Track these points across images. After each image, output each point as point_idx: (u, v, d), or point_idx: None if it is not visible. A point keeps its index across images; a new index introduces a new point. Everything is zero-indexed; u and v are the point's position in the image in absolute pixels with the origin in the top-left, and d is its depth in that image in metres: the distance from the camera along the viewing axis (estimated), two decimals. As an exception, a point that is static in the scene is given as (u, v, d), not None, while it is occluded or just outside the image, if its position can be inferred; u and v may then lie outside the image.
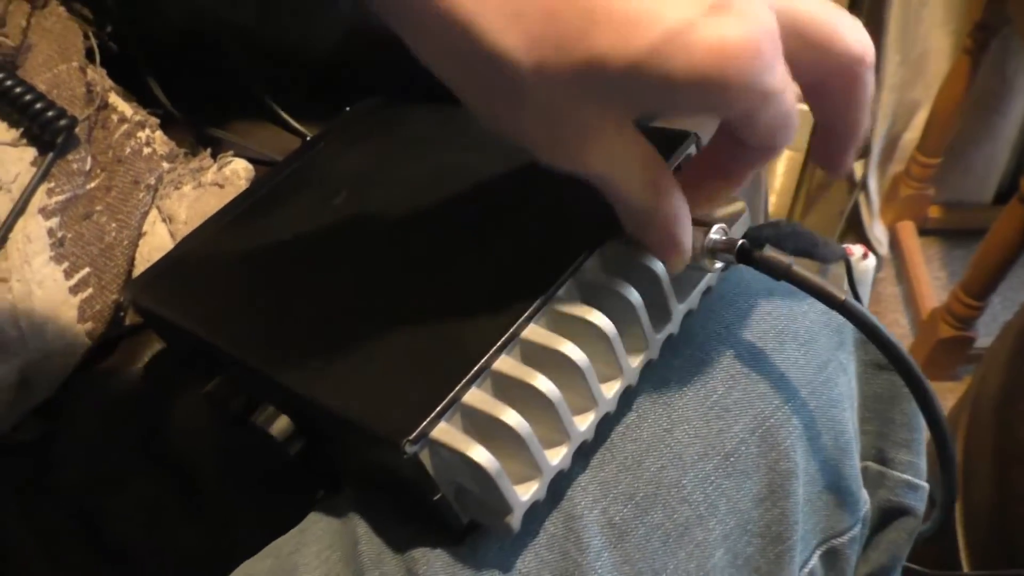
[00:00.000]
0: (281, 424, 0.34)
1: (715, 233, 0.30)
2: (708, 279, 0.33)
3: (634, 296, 0.29)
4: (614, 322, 0.29)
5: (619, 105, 0.24)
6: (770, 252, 0.30)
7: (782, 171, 1.28)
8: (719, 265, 0.31)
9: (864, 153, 1.20)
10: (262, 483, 0.44)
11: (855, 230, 1.23)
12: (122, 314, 0.49)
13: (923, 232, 1.23)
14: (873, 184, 1.20)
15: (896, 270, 1.23)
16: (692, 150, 0.34)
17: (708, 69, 0.22)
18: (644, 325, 0.30)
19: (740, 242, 0.30)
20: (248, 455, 0.44)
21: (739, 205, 0.34)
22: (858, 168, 1.24)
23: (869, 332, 0.29)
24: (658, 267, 0.30)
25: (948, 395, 1.09)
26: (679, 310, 0.31)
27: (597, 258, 0.31)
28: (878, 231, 1.20)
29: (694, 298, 0.32)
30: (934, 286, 1.18)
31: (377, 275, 0.34)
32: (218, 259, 0.42)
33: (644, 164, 0.26)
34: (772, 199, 1.24)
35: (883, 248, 1.21)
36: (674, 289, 0.31)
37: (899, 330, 1.18)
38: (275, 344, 0.34)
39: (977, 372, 0.75)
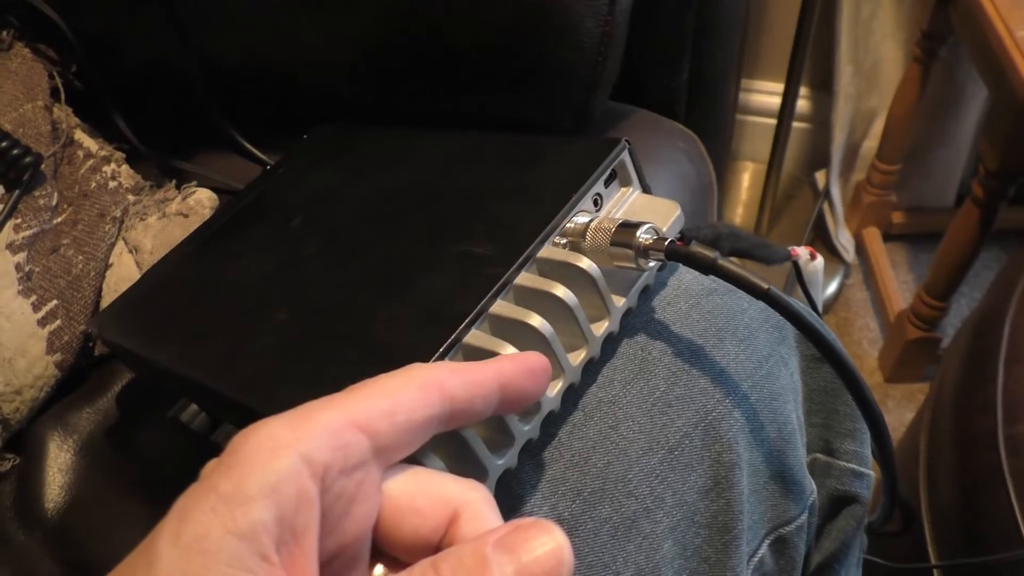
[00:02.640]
0: (241, 440, 0.34)
1: (645, 233, 0.32)
2: (644, 278, 0.34)
3: (569, 296, 0.31)
4: (552, 323, 0.30)
5: None
6: (697, 248, 0.31)
7: (747, 183, 1.31)
8: (652, 264, 0.32)
9: (825, 163, 1.23)
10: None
11: (822, 238, 1.26)
12: (91, 344, 0.50)
13: (888, 237, 1.26)
14: (836, 193, 1.23)
15: (864, 275, 1.25)
16: (625, 157, 0.36)
17: None
18: (582, 324, 0.31)
19: (668, 240, 0.31)
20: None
21: (672, 206, 0.35)
22: (820, 178, 1.27)
23: (793, 319, 0.31)
24: (592, 268, 0.31)
25: (919, 395, 1.10)
26: (617, 309, 0.33)
27: (534, 263, 0.32)
28: (844, 238, 1.23)
29: (632, 297, 0.34)
30: (901, 289, 1.20)
31: (325, 295, 0.36)
32: (180, 288, 0.43)
33: None
34: (739, 211, 1.26)
35: (849, 255, 1.23)
36: (611, 288, 0.32)
37: (869, 334, 1.20)
38: (232, 365, 0.35)
39: (939, 369, 0.77)
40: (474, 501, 0.22)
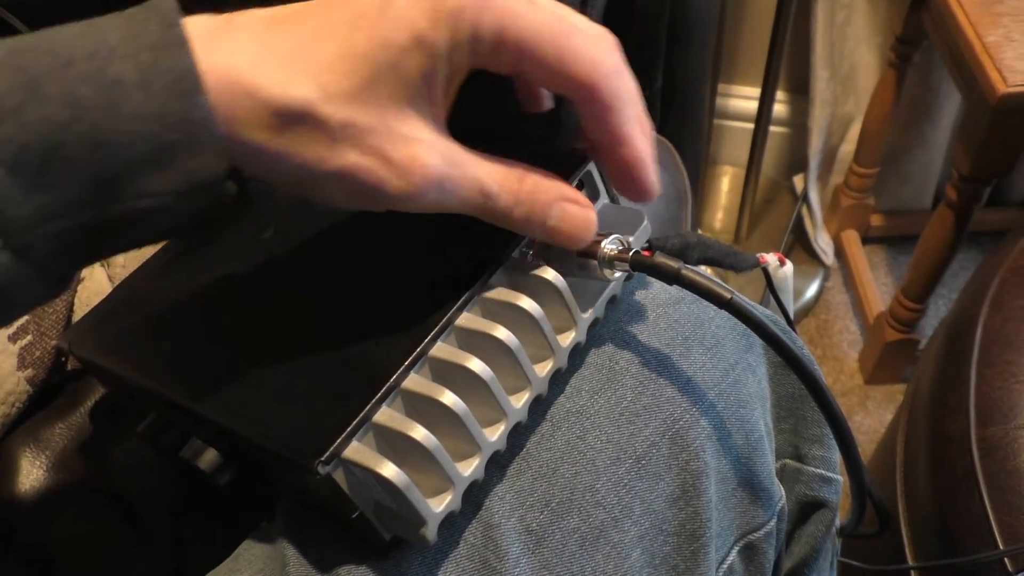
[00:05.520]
0: (208, 456, 0.35)
1: (611, 244, 0.32)
2: (611, 288, 0.34)
3: (535, 308, 0.31)
4: (519, 335, 0.30)
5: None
6: (661, 258, 0.31)
7: (726, 188, 1.32)
8: (618, 274, 0.32)
9: (803, 167, 1.24)
10: (204, 515, 0.44)
11: (801, 242, 1.26)
12: (64, 359, 0.49)
13: (867, 240, 1.27)
14: (814, 196, 1.24)
15: (843, 278, 1.26)
16: (592, 168, 0.36)
17: None
18: (548, 336, 0.32)
19: (633, 251, 0.31)
20: (187, 489, 0.44)
21: (639, 216, 0.36)
22: (799, 182, 1.28)
23: (755, 327, 0.31)
24: (558, 279, 0.31)
25: (899, 396, 1.11)
26: (583, 320, 0.33)
27: (500, 275, 0.32)
28: (823, 242, 1.24)
29: (599, 307, 0.34)
30: (880, 292, 1.21)
31: (295, 306, 0.36)
32: (151, 302, 0.43)
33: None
34: (719, 215, 1.27)
35: (829, 258, 1.24)
36: (577, 299, 0.33)
37: (849, 336, 1.21)
38: (199, 380, 0.35)
39: (916, 371, 0.77)
40: (607, 91, 0.27)
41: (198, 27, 0.24)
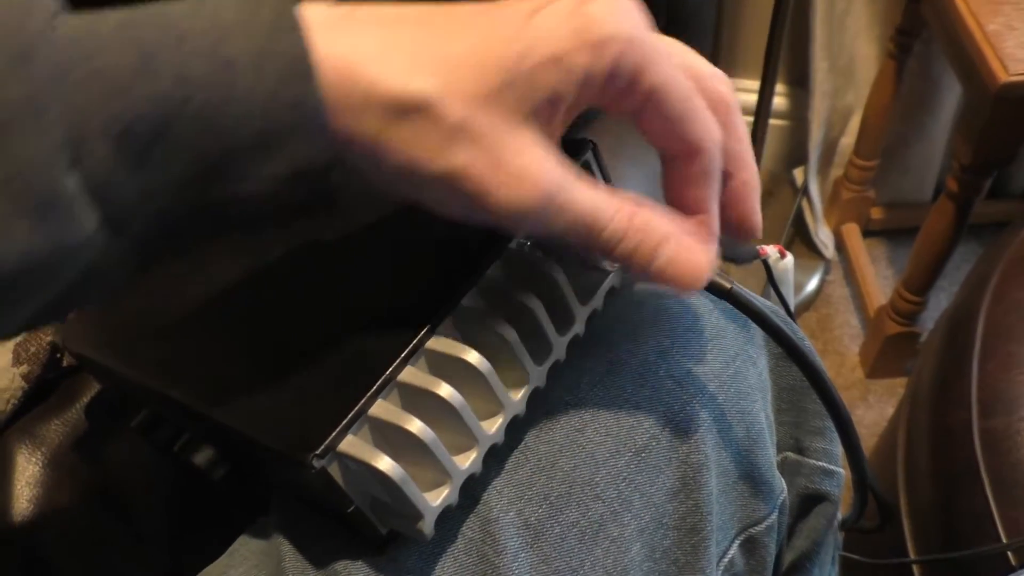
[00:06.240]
0: (203, 451, 0.34)
1: None
2: (610, 279, 0.34)
3: (534, 302, 0.30)
4: (518, 327, 0.30)
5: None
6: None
7: (726, 181, 1.31)
8: (617, 265, 0.32)
9: (803, 160, 1.23)
10: (201, 511, 0.44)
11: (801, 235, 1.26)
12: (59, 355, 0.49)
13: (867, 233, 1.26)
14: (814, 189, 1.23)
15: (844, 272, 1.26)
16: (590, 158, 0.35)
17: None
18: (546, 328, 0.31)
19: None
20: (183, 485, 0.44)
21: None
22: (799, 175, 1.27)
23: (756, 318, 0.31)
24: (557, 272, 0.31)
25: (900, 390, 1.11)
26: (582, 312, 0.33)
27: (500, 266, 0.32)
28: (823, 235, 1.23)
29: (597, 299, 0.33)
30: (881, 285, 1.21)
31: (290, 301, 0.35)
32: (145, 297, 0.43)
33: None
34: (719, 209, 1.26)
35: (829, 251, 1.24)
36: (576, 292, 0.32)
37: (850, 330, 1.20)
38: (194, 375, 0.34)
39: (917, 364, 0.77)
40: (708, 160, 0.27)
41: (316, 15, 0.23)
